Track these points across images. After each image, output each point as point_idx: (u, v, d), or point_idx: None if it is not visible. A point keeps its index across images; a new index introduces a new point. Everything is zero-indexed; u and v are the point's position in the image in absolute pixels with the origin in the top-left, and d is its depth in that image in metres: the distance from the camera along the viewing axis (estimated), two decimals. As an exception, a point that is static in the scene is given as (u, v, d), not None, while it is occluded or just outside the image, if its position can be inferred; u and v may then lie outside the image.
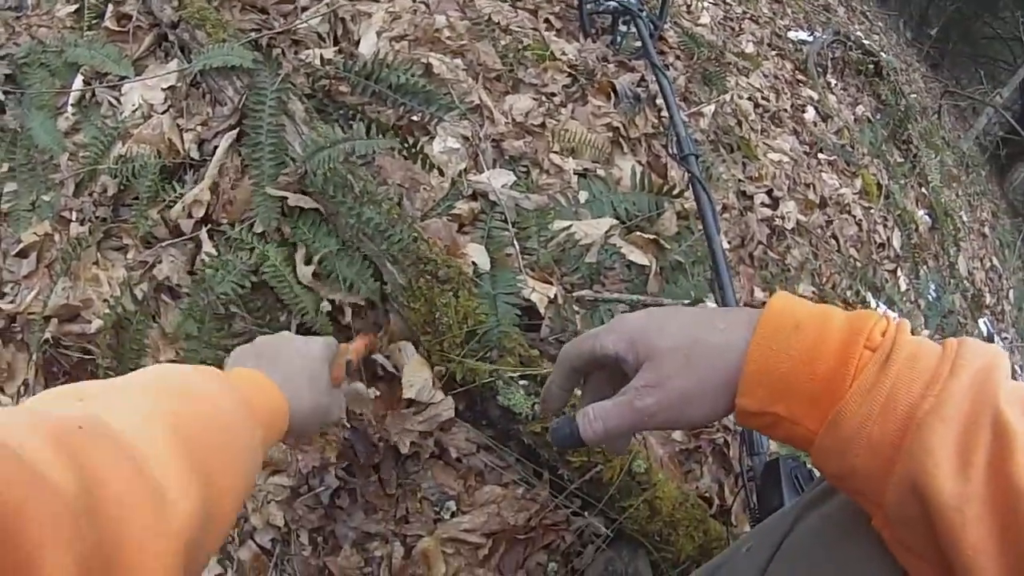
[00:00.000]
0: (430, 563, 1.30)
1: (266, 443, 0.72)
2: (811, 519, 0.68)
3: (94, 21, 1.95)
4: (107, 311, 1.41)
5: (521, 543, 1.35)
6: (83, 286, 1.52)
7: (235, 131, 1.49)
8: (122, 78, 1.76)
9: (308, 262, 1.30)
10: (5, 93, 1.93)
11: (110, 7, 1.85)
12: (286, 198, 1.32)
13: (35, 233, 1.63)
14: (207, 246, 1.38)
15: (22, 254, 1.64)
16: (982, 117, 8.50)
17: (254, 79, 1.50)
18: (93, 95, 1.81)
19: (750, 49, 2.97)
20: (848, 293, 2.41)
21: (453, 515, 1.33)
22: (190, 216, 1.42)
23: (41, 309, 1.48)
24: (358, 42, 1.77)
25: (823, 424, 0.52)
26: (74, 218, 1.63)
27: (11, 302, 1.59)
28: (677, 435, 1.61)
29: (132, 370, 1.40)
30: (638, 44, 2.22)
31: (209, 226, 1.42)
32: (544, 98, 1.74)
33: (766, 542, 0.71)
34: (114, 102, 1.78)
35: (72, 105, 1.80)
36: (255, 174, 1.37)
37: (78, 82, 1.81)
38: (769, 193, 2.24)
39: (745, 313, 0.58)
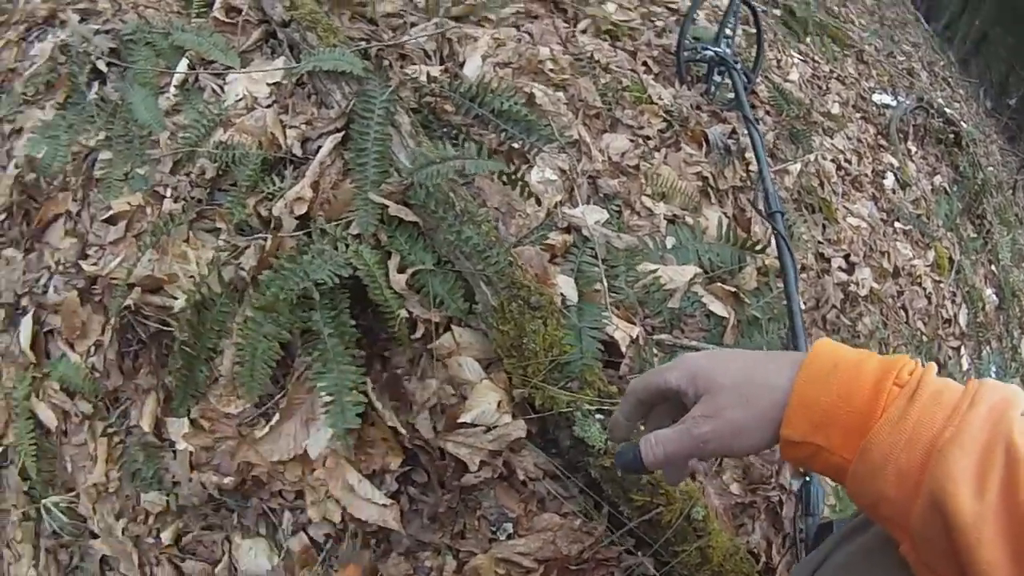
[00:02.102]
0: (481, 581, 1.31)
1: None
2: (839, 555, 0.75)
3: (202, 9, 2.05)
4: (192, 288, 1.45)
5: (572, 573, 1.35)
6: (170, 261, 1.57)
7: (340, 134, 1.53)
8: (227, 68, 1.83)
9: (401, 271, 1.33)
10: (108, 65, 2.02)
11: (220, -1, 1.90)
12: (387, 206, 1.36)
13: (127, 203, 1.68)
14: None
15: (110, 221, 1.71)
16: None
17: (363, 87, 1.55)
18: (196, 80, 1.88)
19: (836, 110, 2.96)
20: (912, 367, 2.37)
21: (509, 537, 1.34)
22: (291, 212, 1.45)
23: (125, 276, 1.53)
24: (463, 64, 1.82)
25: (856, 453, 0.58)
26: (168, 195, 1.69)
27: (94, 264, 1.66)
28: (734, 488, 1.60)
29: (210, 349, 1.46)
30: (731, 95, 2.24)
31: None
32: (640, 140, 1.77)
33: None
34: (217, 90, 1.86)
35: (175, 87, 1.87)
36: (358, 179, 1.41)
37: (182, 65, 1.89)
38: (846, 258, 2.23)
39: (792, 356, 0.66)
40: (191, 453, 1.46)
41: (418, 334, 1.32)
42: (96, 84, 2.00)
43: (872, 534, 0.71)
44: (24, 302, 1.76)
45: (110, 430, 1.58)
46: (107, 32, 2.05)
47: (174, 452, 1.50)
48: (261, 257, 1.42)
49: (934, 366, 0.60)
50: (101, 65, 2.03)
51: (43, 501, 1.61)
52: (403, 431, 1.31)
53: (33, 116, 2.05)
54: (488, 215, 1.38)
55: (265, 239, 1.45)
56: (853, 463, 0.58)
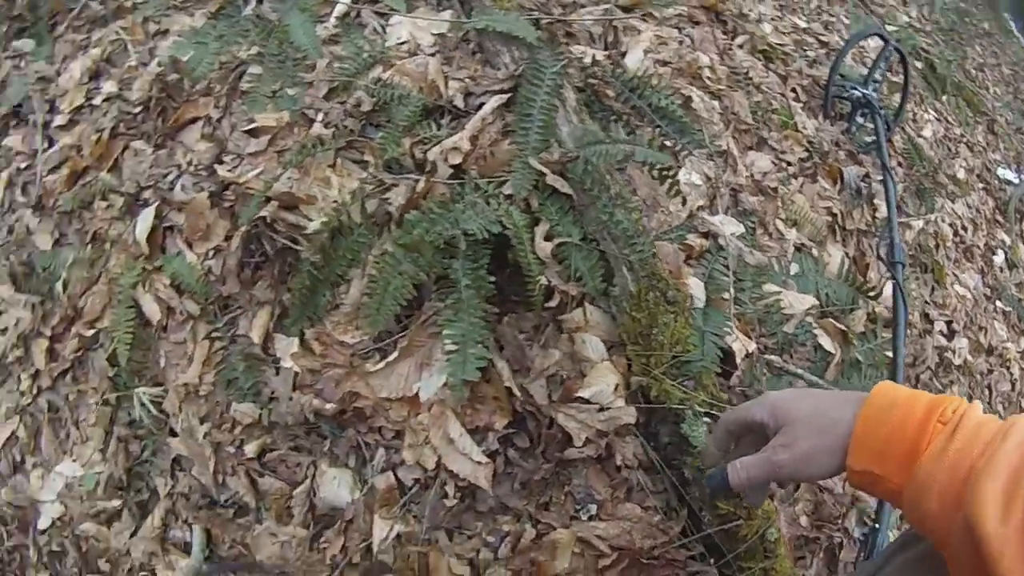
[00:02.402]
0: (556, 555, 1.33)
1: None
2: (897, 561, 0.84)
3: None
4: (331, 212, 1.47)
5: (639, 567, 1.37)
6: (310, 182, 1.59)
7: (505, 96, 1.56)
8: (392, 10, 1.86)
9: (547, 239, 1.37)
10: None
11: (392, -60, 1.94)
12: (544, 174, 1.39)
13: (274, 119, 1.72)
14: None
15: (252, 133, 1.74)
16: None
17: (535, 55, 1.57)
18: (358, 15, 1.91)
19: (961, 175, 2.92)
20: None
21: (591, 518, 1.36)
22: (446, 160, 1.49)
23: (262, 188, 1.55)
24: (624, 54, 1.84)
25: (908, 479, 0.66)
26: (319, 119, 1.71)
27: (230, 171, 1.68)
28: (803, 520, 1.61)
29: (338, 275, 1.48)
30: (869, 139, 2.23)
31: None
32: (782, 164, 1.78)
33: None
34: (379, 29, 1.88)
35: (336, 18, 1.90)
36: (519, 142, 1.44)
37: None
38: (948, 324, 2.21)
39: (858, 394, 0.75)
40: (296, 373, 1.47)
41: (552, 303, 1.35)
42: (253, 1, 2.04)
43: (928, 543, 0.79)
44: (146, 195, 1.79)
45: (215, 335, 1.60)
46: (269, -49, 2.10)
47: (276, 369, 1.51)
48: (411, 197, 1.46)
49: (978, 404, 0.68)
50: None
51: (136, 389, 1.63)
52: (517, 393, 1.34)
53: (180, 21, 2.13)
54: (639, 204, 1.41)
55: (417, 180, 1.49)
56: (905, 488, 0.67)
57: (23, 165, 2.10)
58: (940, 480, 0.63)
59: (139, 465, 1.65)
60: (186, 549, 1.53)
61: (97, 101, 2.04)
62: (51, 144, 2.08)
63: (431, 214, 1.38)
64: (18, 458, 1.82)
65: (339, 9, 1.91)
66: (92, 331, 1.75)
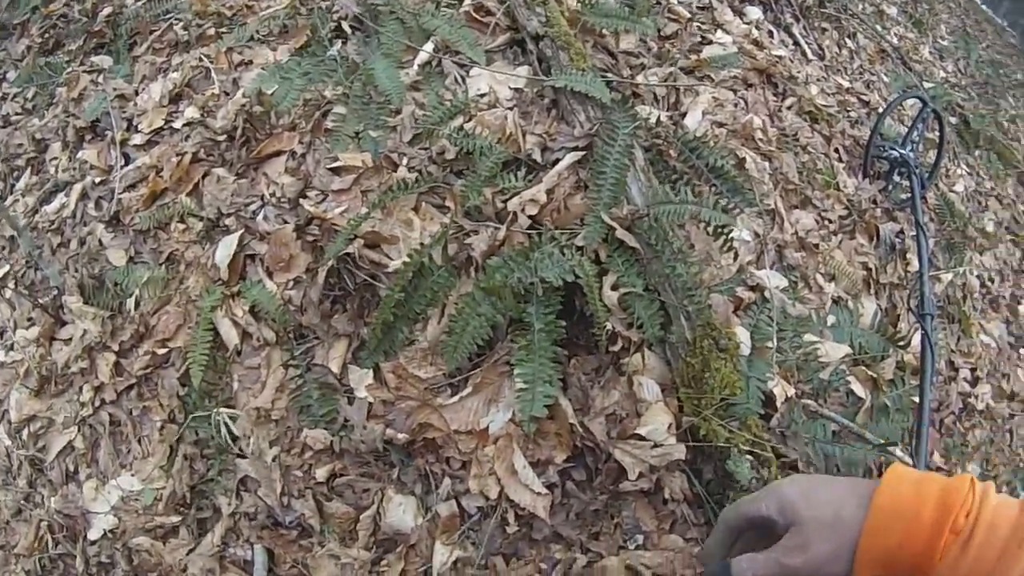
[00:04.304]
0: (606, 581, 1.44)
1: None
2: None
3: (454, 2, 2.20)
4: (414, 253, 1.57)
5: (679, 595, 1.49)
6: (393, 223, 1.69)
7: (580, 153, 1.71)
8: (473, 62, 1.99)
9: (614, 288, 1.53)
10: (352, 28, 2.20)
11: (473, -3, 2.05)
12: (615, 228, 1.55)
13: (360, 160, 1.82)
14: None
15: (336, 171, 1.83)
16: None
17: (608, 115, 1.73)
18: (439, 64, 2.03)
19: (990, 228, 3.05)
20: (1005, 488, 2.48)
21: (638, 548, 1.47)
22: (524, 210, 1.64)
23: (347, 225, 1.64)
24: (684, 114, 2.01)
25: None
26: (404, 163, 1.82)
27: (314, 206, 1.76)
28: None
29: (417, 313, 1.62)
30: (904, 196, 2.37)
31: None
32: (824, 222, 1.94)
33: None
34: (459, 79, 2.01)
35: (418, 65, 2.02)
36: (593, 197, 1.60)
37: (428, 47, 2.05)
38: (972, 371, 2.35)
39: (867, 488, 0.75)
40: (370, 403, 1.56)
41: (615, 348, 1.51)
42: (339, 43, 2.17)
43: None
44: (227, 221, 1.88)
45: (291, 362, 1.67)
46: (355, -3, 2.19)
47: (350, 399, 1.60)
48: (491, 244, 1.62)
49: (991, 493, 0.70)
50: (345, 26, 2.21)
51: (215, 409, 1.68)
52: (579, 429, 1.47)
53: (263, 54, 2.24)
54: (697, 258, 1.57)
55: (497, 228, 1.65)
56: None
57: (98, 180, 2.17)
58: None
59: (203, 484, 1.69)
60: (245, 567, 1.59)
61: (177, 125, 2.14)
62: (128, 162, 2.16)
63: (511, 261, 1.53)
64: (72, 468, 1.85)
65: (421, 57, 2.04)
66: (164, 350, 1.81)
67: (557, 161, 1.72)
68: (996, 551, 0.65)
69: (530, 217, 1.65)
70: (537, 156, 1.75)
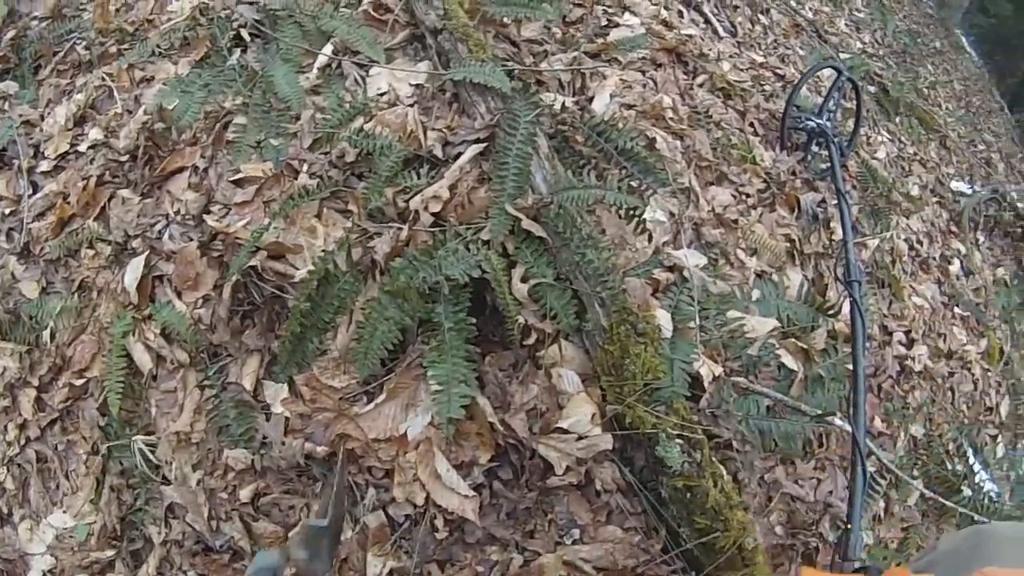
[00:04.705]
0: (543, 579, 1.40)
1: None
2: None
3: (352, 2, 2.13)
4: (318, 261, 1.53)
5: (624, 586, 1.45)
6: (297, 232, 1.65)
7: (482, 145, 1.66)
8: (372, 61, 1.93)
9: (523, 280, 1.48)
10: (251, 36, 2.12)
11: (371, -6, 2.00)
12: (520, 219, 1.49)
13: (261, 170, 1.76)
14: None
15: (238, 183, 1.78)
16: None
17: (509, 105, 1.67)
18: (339, 66, 1.97)
19: (915, 192, 3.08)
20: (951, 446, 2.48)
21: (575, 542, 1.44)
22: (427, 208, 1.58)
23: (251, 239, 1.58)
24: (591, 99, 1.96)
25: None
26: (304, 170, 1.77)
27: (217, 221, 1.71)
28: (778, 529, 1.72)
29: (326, 322, 1.55)
30: (824, 166, 2.37)
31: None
32: (741, 196, 1.91)
33: None
34: (359, 79, 1.94)
35: (318, 68, 1.96)
36: (496, 189, 1.54)
37: (327, 49, 1.99)
38: (907, 334, 2.35)
39: None
40: (287, 418, 1.51)
41: (529, 341, 1.46)
42: (238, 51, 2.09)
43: None
44: (135, 244, 1.81)
45: (206, 383, 1.62)
46: (251, 3, 2.14)
47: (267, 415, 1.55)
48: (395, 245, 1.56)
49: None
50: (244, 34, 2.13)
51: (133, 438, 1.63)
52: (500, 428, 1.42)
53: (165, 68, 2.15)
54: (608, 243, 1.52)
55: (400, 228, 1.59)
56: None
57: (7, 211, 2.08)
58: None
59: (132, 514, 1.65)
60: (181, 596, 1.52)
61: (83, 148, 2.06)
62: (36, 190, 2.07)
63: (415, 261, 1.48)
64: (5, 511, 1.80)
65: (321, 60, 1.98)
66: (82, 380, 1.75)
67: (459, 155, 1.67)
68: None
69: (433, 214, 1.60)
70: (439, 152, 1.70)
